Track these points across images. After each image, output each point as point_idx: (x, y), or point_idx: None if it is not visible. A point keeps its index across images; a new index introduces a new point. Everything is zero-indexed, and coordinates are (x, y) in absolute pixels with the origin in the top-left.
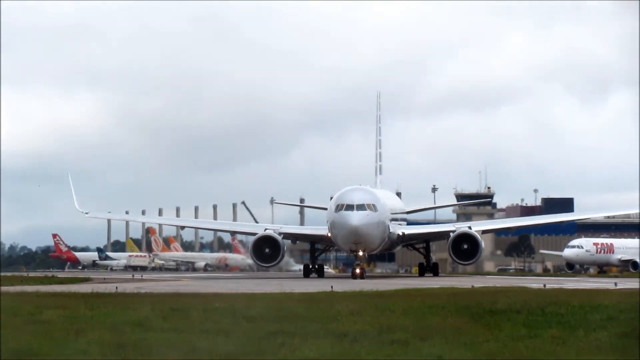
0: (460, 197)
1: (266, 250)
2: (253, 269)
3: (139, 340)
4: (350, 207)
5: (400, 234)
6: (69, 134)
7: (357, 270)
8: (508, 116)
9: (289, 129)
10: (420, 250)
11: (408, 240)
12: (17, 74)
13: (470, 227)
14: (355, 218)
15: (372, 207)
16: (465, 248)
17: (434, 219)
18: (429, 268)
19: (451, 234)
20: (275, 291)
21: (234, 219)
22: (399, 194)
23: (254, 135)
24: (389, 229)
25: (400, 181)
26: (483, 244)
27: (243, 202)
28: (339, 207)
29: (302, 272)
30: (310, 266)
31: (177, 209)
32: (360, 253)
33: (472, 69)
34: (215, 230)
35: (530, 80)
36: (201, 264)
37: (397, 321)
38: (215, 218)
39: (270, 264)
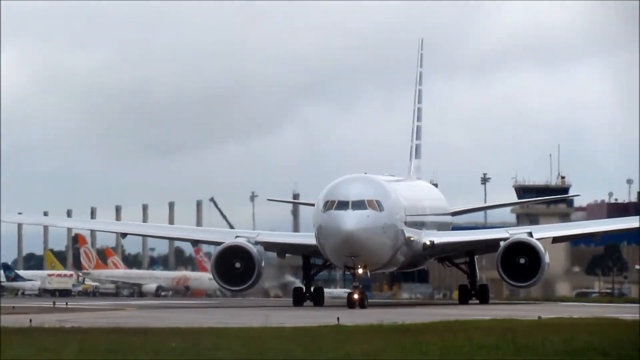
0: (521, 190)
1: (236, 266)
2: (225, 293)
3: None
4: (343, 205)
5: (428, 243)
6: None
7: (355, 296)
8: (591, 76)
9: (279, 96)
10: (461, 266)
11: (441, 253)
12: None
13: (530, 234)
14: (350, 220)
15: (376, 205)
16: (521, 263)
17: (484, 223)
18: (475, 292)
19: (501, 243)
20: (258, 325)
21: (199, 223)
22: (434, 186)
23: (229, 105)
24: (404, 236)
25: (436, 167)
26: (548, 258)
27: (212, 199)
28: (328, 205)
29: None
30: (304, 289)
31: (118, 209)
32: (360, 271)
33: (541, 11)
34: (171, 239)
35: (622, 25)
36: (151, 286)
37: None
38: (171, 221)
39: (239, 287)
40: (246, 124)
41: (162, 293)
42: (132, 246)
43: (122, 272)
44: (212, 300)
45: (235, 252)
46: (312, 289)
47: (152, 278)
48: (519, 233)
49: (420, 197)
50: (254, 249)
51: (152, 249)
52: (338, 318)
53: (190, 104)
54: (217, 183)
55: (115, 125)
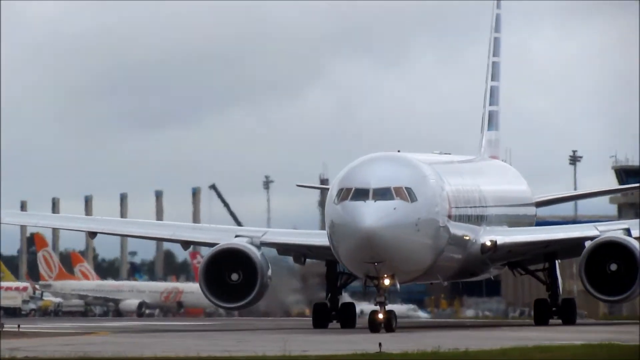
0: (623, 173)
1: (232, 276)
2: (230, 312)
3: None
4: (362, 194)
5: (488, 244)
6: None
7: (379, 316)
8: None
9: (301, 50)
10: (537, 275)
11: (508, 257)
12: None
13: (628, 231)
14: (371, 215)
15: (406, 194)
16: (612, 270)
17: (573, 216)
18: (557, 309)
19: (586, 244)
20: (275, 353)
21: (195, 218)
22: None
23: (234, 63)
24: (449, 235)
25: (511, 142)
26: None
27: (212, 186)
28: (343, 195)
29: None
30: (329, 305)
31: (87, 200)
32: (386, 282)
33: None
34: (153, 239)
35: None
36: (132, 302)
37: None
38: (159, 216)
39: (235, 304)
40: (257, 88)
41: (147, 311)
42: (107, 249)
43: (93, 284)
44: (213, 320)
45: (231, 258)
46: (339, 305)
47: (133, 292)
48: (612, 230)
49: (481, 183)
50: (256, 253)
51: (134, 253)
52: (380, 344)
53: (183, 62)
54: (219, 165)
55: (84, 90)
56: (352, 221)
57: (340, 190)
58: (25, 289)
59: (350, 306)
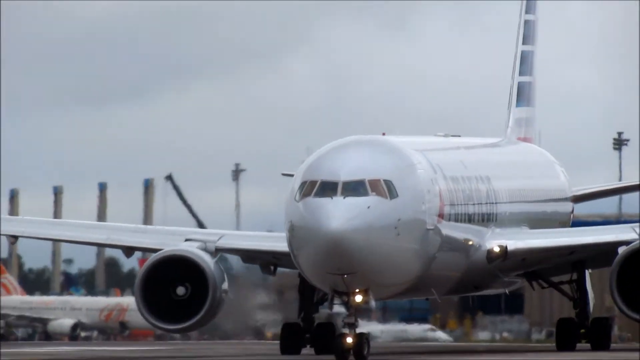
0: None
1: (177, 290)
2: (192, 335)
3: None
4: (328, 189)
5: (497, 250)
6: None
7: (347, 340)
8: None
9: (283, 8)
10: (562, 288)
11: (522, 266)
12: None
13: None
14: (338, 215)
15: (384, 189)
16: None
17: (617, 214)
18: (586, 330)
19: (619, 251)
20: None
21: (147, 217)
22: None
23: (201, 24)
24: (441, 239)
25: (541, 122)
26: None
27: (169, 177)
28: (306, 189)
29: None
30: (302, 325)
31: (14, 194)
32: (358, 299)
33: None
34: (86, 244)
35: None
36: (64, 322)
37: None
38: (101, 214)
39: (179, 325)
40: (227, 56)
41: (82, 334)
42: (36, 257)
43: (16, 300)
44: (165, 345)
45: (177, 268)
46: (313, 325)
47: (65, 309)
48: None
49: (492, 174)
50: (207, 261)
51: (68, 261)
52: None
53: (132, 23)
54: (179, 151)
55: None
56: (315, 223)
57: (303, 184)
58: None
59: (329, 326)
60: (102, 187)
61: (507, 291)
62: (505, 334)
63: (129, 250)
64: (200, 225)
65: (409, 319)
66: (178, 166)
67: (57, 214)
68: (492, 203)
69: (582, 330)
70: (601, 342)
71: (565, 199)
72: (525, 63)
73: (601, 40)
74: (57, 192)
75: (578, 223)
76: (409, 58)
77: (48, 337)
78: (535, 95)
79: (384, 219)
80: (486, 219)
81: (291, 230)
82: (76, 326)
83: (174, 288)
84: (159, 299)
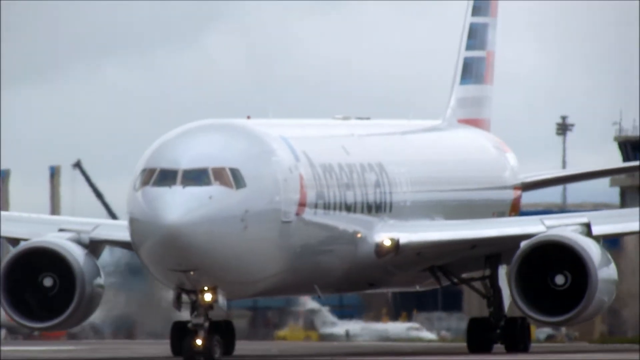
0: (629, 146)
1: (44, 285)
2: (99, 330)
3: None
4: (167, 177)
5: (387, 244)
6: None
7: (197, 342)
8: None
9: None
10: (474, 285)
11: (421, 262)
12: None
13: (588, 225)
14: (176, 206)
15: (230, 178)
16: (560, 284)
17: (561, 204)
18: (500, 330)
19: (521, 245)
20: None
21: (54, 207)
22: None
23: None
24: (303, 233)
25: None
26: (613, 272)
27: (77, 164)
28: (144, 178)
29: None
30: (206, 323)
31: None
32: (208, 297)
33: None
34: None
35: None
36: None
37: None
38: (4, 205)
39: (44, 324)
40: (136, 33)
41: None
42: None
43: None
44: (79, 344)
45: (43, 260)
46: (206, 324)
47: None
48: (564, 224)
49: (393, 159)
50: (73, 254)
51: None
52: None
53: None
54: (89, 136)
55: None
56: (152, 215)
57: (143, 172)
58: None
59: (227, 325)
60: (4, 175)
61: (417, 287)
62: (443, 332)
63: (14, 242)
64: (112, 215)
65: (339, 315)
66: (88, 153)
67: None
68: (384, 192)
69: (497, 328)
70: (517, 343)
71: (505, 187)
72: (475, 37)
73: (552, 20)
74: None
75: (527, 213)
76: (336, 33)
77: None
78: (493, 72)
79: (227, 211)
80: (376, 209)
81: (130, 223)
82: None
83: (40, 283)
84: (23, 295)
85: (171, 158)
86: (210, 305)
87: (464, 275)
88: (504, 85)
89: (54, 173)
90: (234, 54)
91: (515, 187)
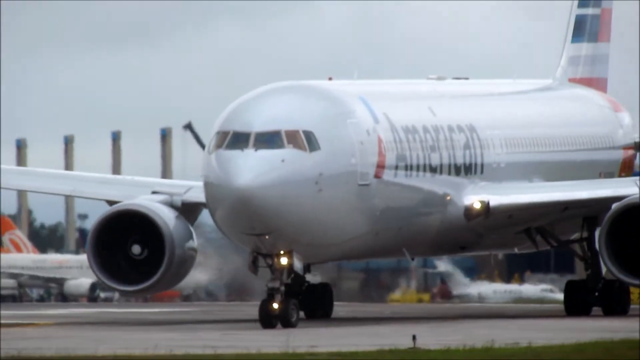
0: None
1: (133, 249)
2: (212, 293)
3: None
4: (240, 140)
5: (477, 206)
6: None
7: (273, 306)
8: None
9: None
10: (573, 248)
11: (513, 224)
12: None
13: None
14: (248, 169)
15: (304, 140)
16: None
17: None
18: (598, 292)
19: (612, 207)
20: (275, 350)
21: (166, 168)
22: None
23: None
24: (384, 195)
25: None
26: None
27: (187, 125)
28: (218, 141)
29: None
30: (282, 287)
31: (20, 144)
32: (283, 261)
33: None
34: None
35: None
36: (82, 282)
37: None
38: (116, 166)
39: (134, 287)
40: None
41: (102, 295)
42: (48, 212)
43: (28, 259)
44: (192, 306)
45: (132, 224)
46: (302, 287)
47: (82, 268)
48: None
49: (486, 120)
50: (164, 217)
51: (84, 217)
52: (414, 336)
53: None
54: (197, 97)
55: None
56: (224, 178)
57: (217, 135)
58: None
59: (323, 288)
60: (116, 137)
61: (516, 250)
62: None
63: (110, 204)
64: None
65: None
66: (199, 112)
67: (68, 165)
68: (474, 154)
69: (594, 291)
70: (615, 306)
71: (614, 147)
72: None
73: None
74: (68, 141)
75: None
76: None
77: (64, 298)
78: (610, 30)
79: (300, 174)
80: (465, 171)
81: (205, 186)
82: (95, 286)
83: (130, 246)
84: (113, 258)
85: (244, 121)
86: (289, 269)
87: (564, 238)
88: (622, 44)
89: (165, 135)
90: (342, 15)
91: (627, 147)
